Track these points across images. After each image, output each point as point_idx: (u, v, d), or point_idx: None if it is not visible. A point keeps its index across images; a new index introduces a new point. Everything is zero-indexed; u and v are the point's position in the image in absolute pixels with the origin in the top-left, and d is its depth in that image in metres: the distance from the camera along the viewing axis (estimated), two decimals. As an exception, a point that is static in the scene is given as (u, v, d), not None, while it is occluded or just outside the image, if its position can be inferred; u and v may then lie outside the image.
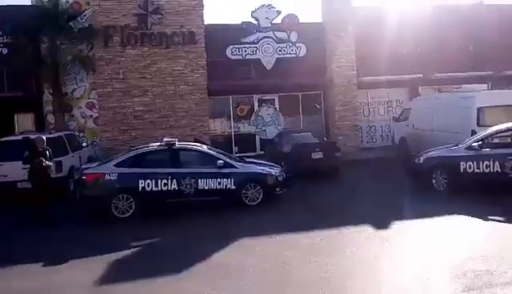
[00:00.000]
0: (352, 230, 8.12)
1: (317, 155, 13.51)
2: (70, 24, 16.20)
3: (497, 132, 10.62)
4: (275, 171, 10.84)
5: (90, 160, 13.89)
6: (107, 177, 9.85)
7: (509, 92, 14.41)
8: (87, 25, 16.50)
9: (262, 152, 17.71)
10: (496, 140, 10.60)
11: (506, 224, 8.15)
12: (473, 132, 11.95)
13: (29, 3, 16.30)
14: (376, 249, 7.12)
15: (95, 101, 16.76)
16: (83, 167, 11.11)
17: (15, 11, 15.82)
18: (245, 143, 18.49)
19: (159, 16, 16.76)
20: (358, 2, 18.77)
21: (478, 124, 12.57)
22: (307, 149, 13.65)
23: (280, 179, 10.66)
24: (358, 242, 7.52)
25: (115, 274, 6.68)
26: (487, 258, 6.37)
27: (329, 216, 9.31)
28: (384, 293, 5.55)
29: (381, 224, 8.35)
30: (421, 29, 18.07)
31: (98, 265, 6.94)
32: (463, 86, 15.85)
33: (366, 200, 10.39)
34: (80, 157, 13.61)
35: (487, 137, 10.55)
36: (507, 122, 10.84)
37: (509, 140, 10.68)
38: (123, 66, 16.57)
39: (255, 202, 10.26)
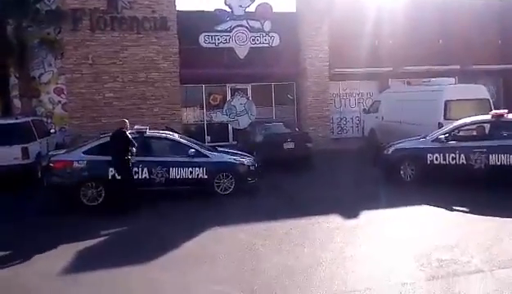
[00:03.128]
0: (321, 220, 8.23)
1: (289, 145, 13.62)
2: (37, 5, 15.65)
3: (463, 125, 10.91)
4: (247, 160, 10.85)
5: (58, 147, 13.58)
6: (75, 165, 9.66)
7: (476, 86, 14.78)
8: (54, 7, 15.98)
9: (234, 142, 17.68)
10: (462, 133, 10.91)
11: (471, 215, 8.42)
12: (440, 125, 12.25)
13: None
14: (345, 238, 7.25)
15: (63, 87, 16.30)
16: (51, 153, 10.85)
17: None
18: (218, 132, 18.42)
19: (130, 0, 16.37)
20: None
21: (445, 117, 12.91)
22: (279, 140, 13.73)
23: (252, 168, 10.70)
24: (328, 231, 7.64)
25: (83, 263, 6.59)
26: (452, 247, 6.59)
27: (299, 205, 9.45)
28: (350, 281, 5.66)
29: (350, 214, 8.52)
30: (393, 23, 18.36)
31: (66, 253, 6.84)
32: (431, 79, 16.17)
33: (336, 190, 10.57)
34: (48, 143, 13.29)
35: (453, 130, 10.81)
36: (473, 115, 11.16)
37: (474, 133, 11.03)
38: (92, 51, 16.05)
39: (227, 192, 10.29)
